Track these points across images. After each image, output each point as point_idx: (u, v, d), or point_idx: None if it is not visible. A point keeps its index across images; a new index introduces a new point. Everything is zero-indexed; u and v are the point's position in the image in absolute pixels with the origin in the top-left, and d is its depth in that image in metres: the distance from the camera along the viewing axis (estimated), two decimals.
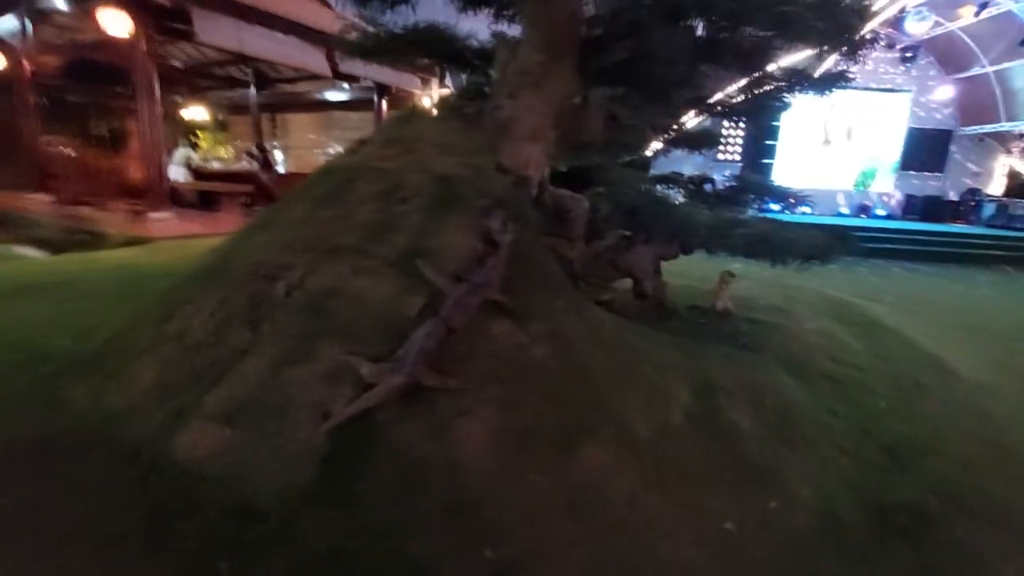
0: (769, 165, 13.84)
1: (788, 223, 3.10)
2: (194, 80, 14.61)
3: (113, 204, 8.74)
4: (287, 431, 1.77)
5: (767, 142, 13.93)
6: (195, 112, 15.77)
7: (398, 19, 4.02)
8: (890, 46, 14.34)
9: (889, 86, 14.77)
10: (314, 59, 7.28)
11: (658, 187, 6.49)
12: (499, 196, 2.63)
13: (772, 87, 4.11)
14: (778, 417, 3.01)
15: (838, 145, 15.03)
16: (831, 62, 3.09)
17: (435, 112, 4.54)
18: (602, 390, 2.32)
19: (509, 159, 3.43)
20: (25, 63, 9.14)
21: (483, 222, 2.42)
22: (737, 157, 14.86)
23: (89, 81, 9.17)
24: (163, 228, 7.04)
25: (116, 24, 6.12)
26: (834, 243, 3.35)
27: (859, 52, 2.66)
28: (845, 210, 15.51)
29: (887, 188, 15.53)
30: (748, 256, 2.87)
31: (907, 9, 12.07)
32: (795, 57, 4.74)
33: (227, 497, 1.69)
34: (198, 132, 17.18)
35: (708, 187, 5.14)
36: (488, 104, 3.60)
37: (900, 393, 3.85)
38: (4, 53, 9.13)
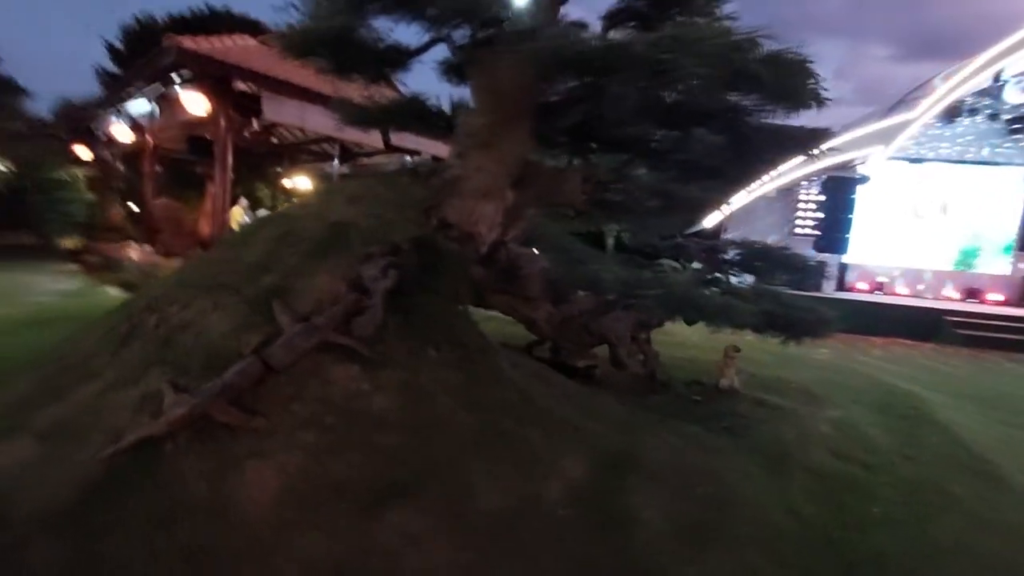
0: (846, 240, 12.69)
1: (735, 289, 2.78)
2: (295, 154, 16.66)
3: (192, 255, 10.01)
4: (76, 453, 1.80)
5: (845, 215, 12.86)
6: (297, 181, 17.98)
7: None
8: (992, 116, 12.99)
9: (994, 159, 13.25)
10: (368, 135, 8.04)
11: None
12: (396, 244, 2.63)
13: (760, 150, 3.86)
14: (706, 510, 2.56)
15: (931, 221, 13.50)
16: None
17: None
18: (451, 451, 2.13)
19: (456, 215, 3.46)
20: (149, 138, 11.01)
21: (359, 268, 2.42)
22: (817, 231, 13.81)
23: (195, 153, 10.77)
24: None
25: (195, 105, 7.24)
26: (800, 317, 2.94)
27: (792, 104, 2.42)
28: (952, 292, 13.66)
29: (1001, 270, 13.54)
30: (673, 316, 2.58)
31: (1004, 76, 10.96)
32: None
33: None
34: (295, 199, 19.43)
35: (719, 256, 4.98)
36: (442, 164, 3.70)
37: (911, 500, 3.14)
38: (135, 130, 11.10)
